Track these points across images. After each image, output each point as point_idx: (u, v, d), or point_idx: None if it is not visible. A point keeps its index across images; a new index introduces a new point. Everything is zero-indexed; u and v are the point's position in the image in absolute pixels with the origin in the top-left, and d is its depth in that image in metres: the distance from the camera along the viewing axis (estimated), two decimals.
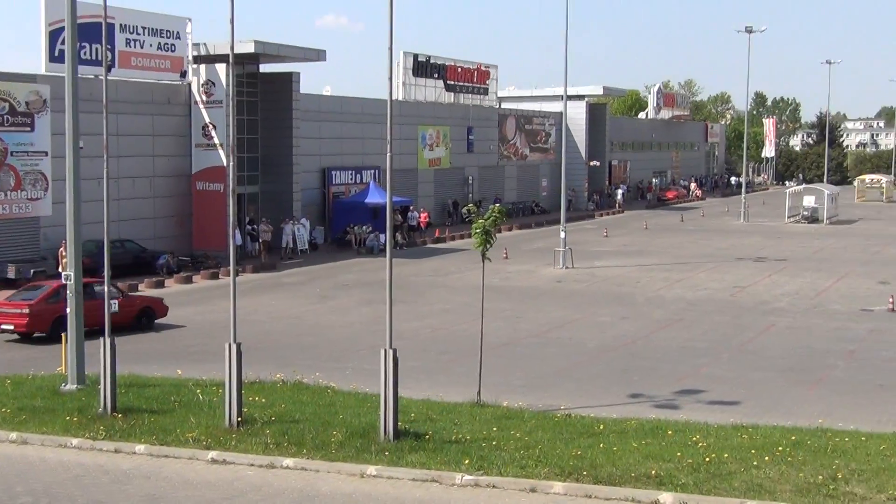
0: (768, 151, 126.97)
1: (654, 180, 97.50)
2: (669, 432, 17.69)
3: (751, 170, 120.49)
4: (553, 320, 32.09)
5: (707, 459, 15.74)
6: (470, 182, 69.24)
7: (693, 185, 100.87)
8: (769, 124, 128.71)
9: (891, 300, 34.08)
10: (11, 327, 27.97)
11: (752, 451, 16.12)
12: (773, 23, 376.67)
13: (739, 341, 28.63)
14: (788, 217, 70.71)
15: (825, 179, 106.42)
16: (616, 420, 18.93)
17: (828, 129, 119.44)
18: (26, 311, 27.72)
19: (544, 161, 79.42)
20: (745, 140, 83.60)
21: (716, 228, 66.39)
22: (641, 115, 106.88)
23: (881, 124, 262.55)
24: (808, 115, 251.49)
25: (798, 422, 18.98)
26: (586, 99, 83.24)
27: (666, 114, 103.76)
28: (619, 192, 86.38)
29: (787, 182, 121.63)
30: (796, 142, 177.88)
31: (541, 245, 52.58)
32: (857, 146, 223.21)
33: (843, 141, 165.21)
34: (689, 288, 39.18)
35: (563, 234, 46.49)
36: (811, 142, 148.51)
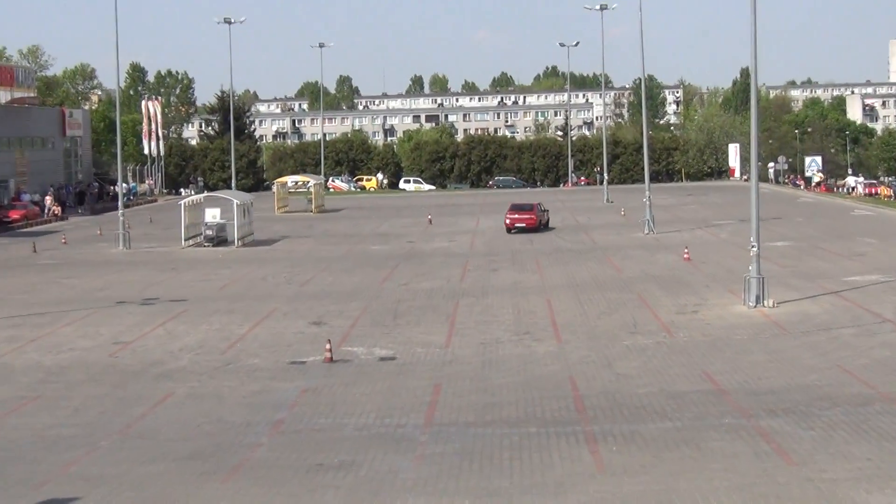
0: (153, 147, 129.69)
1: None
2: None
3: (130, 174, 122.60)
4: None
5: None
6: None
7: (49, 200, 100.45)
8: (153, 108, 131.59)
9: (328, 348, 36.11)
10: (524, 225, 79.59)
11: None
12: None
13: (125, 421, 28.86)
14: (187, 239, 72.73)
15: (234, 185, 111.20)
16: None
17: (232, 114, 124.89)
18: (533, 217, 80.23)
19: None
20: (118, 131, 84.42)
21: (86, 260, 66.76)
22: None
23: (304, 106, 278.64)
24: (205, 95, 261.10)
25: None
26: None
27: (3, 96, 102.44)
28: None
29: (182, 189, 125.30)
30: (192, 133, 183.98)
31: None
32: (276, 136, 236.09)
33: (255, 130, 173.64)
34: (48, 350, 38.86)
35: None
36: (213, 132, 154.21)
